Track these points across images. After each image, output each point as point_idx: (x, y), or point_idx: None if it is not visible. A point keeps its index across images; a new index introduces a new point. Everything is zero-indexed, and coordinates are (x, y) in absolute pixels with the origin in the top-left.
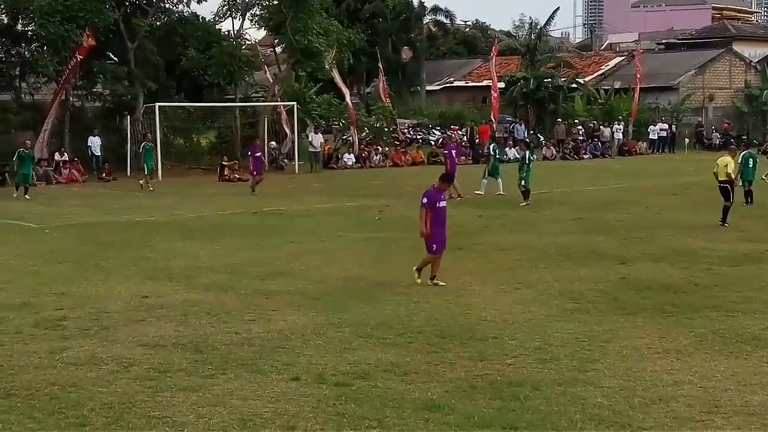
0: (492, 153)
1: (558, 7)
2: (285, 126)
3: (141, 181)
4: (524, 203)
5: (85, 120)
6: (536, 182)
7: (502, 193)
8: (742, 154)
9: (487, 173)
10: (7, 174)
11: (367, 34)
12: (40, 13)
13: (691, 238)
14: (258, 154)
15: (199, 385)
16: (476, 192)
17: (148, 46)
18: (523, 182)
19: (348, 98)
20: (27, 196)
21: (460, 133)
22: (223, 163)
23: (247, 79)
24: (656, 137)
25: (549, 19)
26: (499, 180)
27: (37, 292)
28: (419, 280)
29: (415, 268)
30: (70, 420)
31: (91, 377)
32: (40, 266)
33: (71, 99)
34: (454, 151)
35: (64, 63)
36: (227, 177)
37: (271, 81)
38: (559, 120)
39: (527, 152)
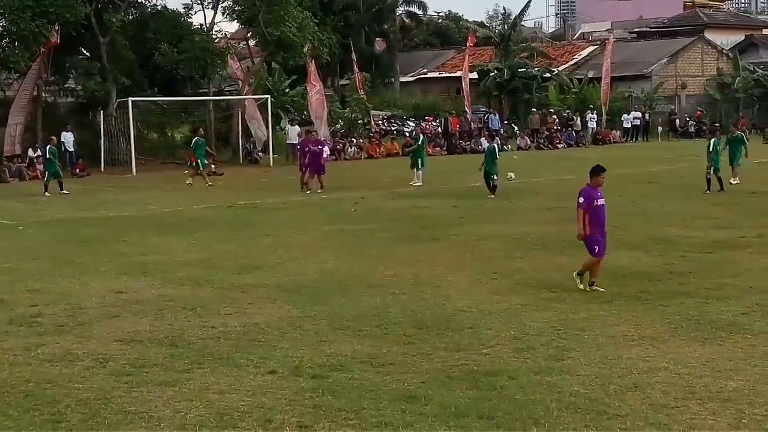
0: (417, 144)
1: None
2: (249, 121)
3: (189, 180)
4: (491, 196)
5: (58, 116)
6: (510, 172)
7: (419, 184)
8: (711, 141)
9: (412, 163)
10: None
11: (340, 26)
12: (10, 9)
13: (665, 226)
14: (313, 148)
15: (175, 380)
16: (410, 184)
17: (121, 41)
18: (494, 176)
19: (312, 91)
20: (65, 191)
21: (434, 124)
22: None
23: (220, 72)
24: (630, 126)
25: (523, 9)
26: (419, 172)
27: (11, 289)
28: (581, 286)
29: (575, 273)
30: (45, 417)
31: (67, 373)
32: (15, 263)
33: (43, 95)
34: (311, 146)
35: (35, 59)
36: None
37: (243, 74)
38: (534, 110)
39: (495, 145)
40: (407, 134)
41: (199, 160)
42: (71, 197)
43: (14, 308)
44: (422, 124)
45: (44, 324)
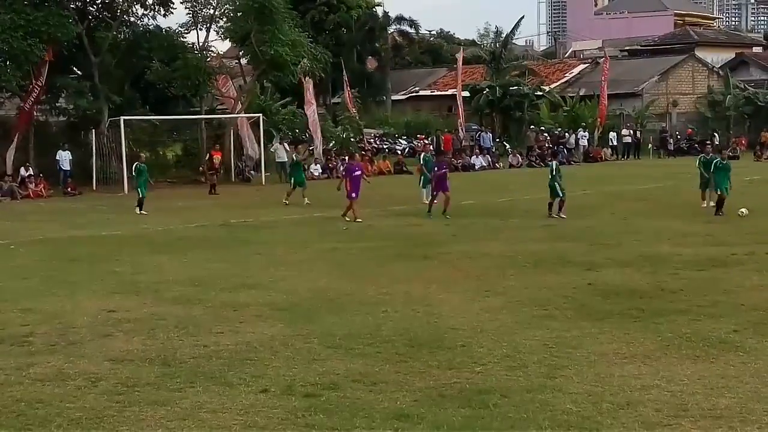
0: (422, 162)
1: (523, 16)
2: (245, 139)
3: (305, 199)
4: (563, 215)
5: (50, 135)
6: (502, 190)
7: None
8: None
9: (422, 182)
10: None
11: (332, 45)
12: (2, 28)
13: (657, 243)
14: (358, 172)
15: (167, 399)
16: (423, 202)
17: (112, 60)
18: (561, 193)
19: (310, 110)
20: (144, 212)
21: (426, 142)
22: (212, 153)
23: (212, 91)
24: (615, 143)
25: (514, 27)
26: (423, 190)
27: (2, 309)
28: None
29: None
30: None
31: (59, 393)
32: (6, 282)
33: (35, 114)
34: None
35: (27, 78)
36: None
37: (235, 93)
38: (533, 126)
39: (555, 162)
40: (399, 152)
41: (293, 179)
42: (63, 216)
43: (5, 327)
44: (417, 142)
45: (36, 343)
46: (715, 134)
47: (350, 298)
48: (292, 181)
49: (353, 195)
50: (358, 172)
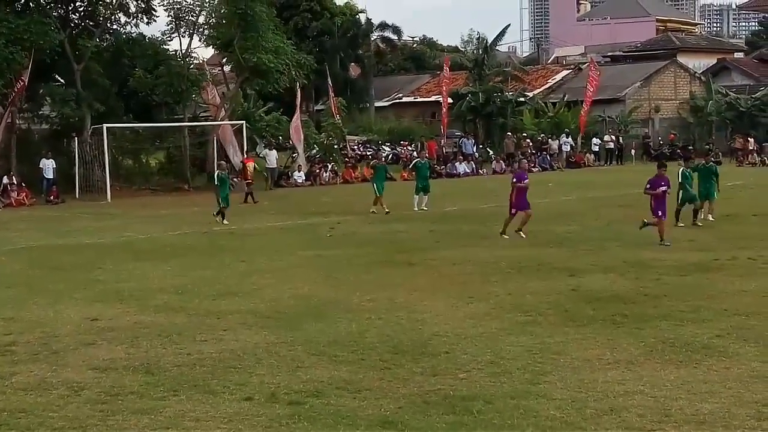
0: (414, 168)
1: (509, 24)
2: (229, 146)
3: (374, 207)
4: (710, 218)
5: (32, 143)
6: (486, 196)
7: (423, 209)
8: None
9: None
10: None
11: (315, 52)
12: None
13: (640, 249)
14: (526, 181)
15: (150, 408)
16: (422, 208)
17: (95, 67)
18: (691, 199)
19: (294, 117)
20: (226, 221)
21: (410, 148)
22: (244, 161)
23: (195, 98)
24: (598, 149)
25: (499, 35)
26: (416, 197)
27: None
28: None
29: None
30: None
31: (42, 402)
32: None
33: (17, 122)
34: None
35: (10, 86)
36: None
37: (218, 100)
38: (509, 134)
39: (683, 168)
40: (383, 158)
41: (376, 184)
42: (46, 224)
43: None
44: (403, 148)
45: (18, 352)
46: (750, 139)
47: (334, 305)
48: (375, 187)
49: (513, 211)
50: (526, 181)
